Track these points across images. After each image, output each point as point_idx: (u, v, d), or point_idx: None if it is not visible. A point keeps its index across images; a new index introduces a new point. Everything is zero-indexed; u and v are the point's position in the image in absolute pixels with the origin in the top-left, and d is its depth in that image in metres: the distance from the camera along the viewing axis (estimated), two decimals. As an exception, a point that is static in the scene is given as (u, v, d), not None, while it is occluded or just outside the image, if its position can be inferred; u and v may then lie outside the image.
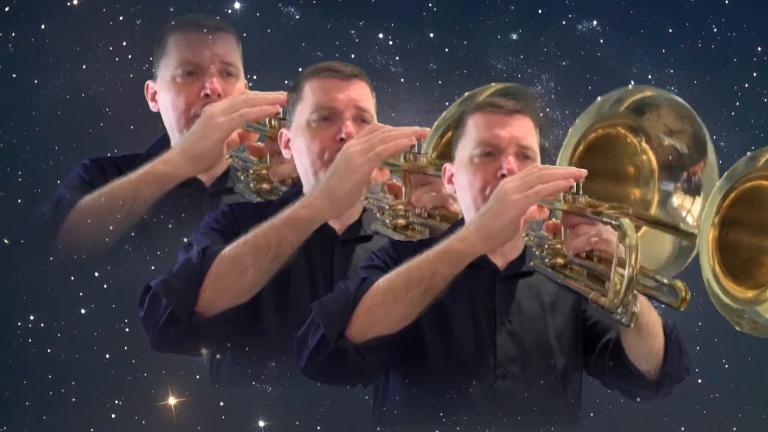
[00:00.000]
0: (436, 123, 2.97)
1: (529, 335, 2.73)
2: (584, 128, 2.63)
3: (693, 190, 2.74)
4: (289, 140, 2.89)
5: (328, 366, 2.60)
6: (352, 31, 3.75)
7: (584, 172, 2.57)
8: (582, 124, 2.62)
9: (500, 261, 2.76)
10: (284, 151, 2.91)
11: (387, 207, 2.93)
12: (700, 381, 3.54)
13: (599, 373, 2.82)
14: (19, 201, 3.29)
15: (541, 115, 2.93)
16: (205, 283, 2.71)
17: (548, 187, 2.54)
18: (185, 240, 2.88)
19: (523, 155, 2.68)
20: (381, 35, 3.77)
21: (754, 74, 3.80)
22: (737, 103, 3.80)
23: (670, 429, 3.45)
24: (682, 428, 3.43)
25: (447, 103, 3.71)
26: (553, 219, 2.68)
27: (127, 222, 2.99)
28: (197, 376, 2.96)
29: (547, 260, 2.68)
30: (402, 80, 3.76)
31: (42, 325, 3.20)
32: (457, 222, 2.79)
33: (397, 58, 3.78)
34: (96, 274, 3.06)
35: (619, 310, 2.40)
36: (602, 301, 2.45)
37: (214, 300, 2.72)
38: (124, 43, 3.48)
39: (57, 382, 3.19)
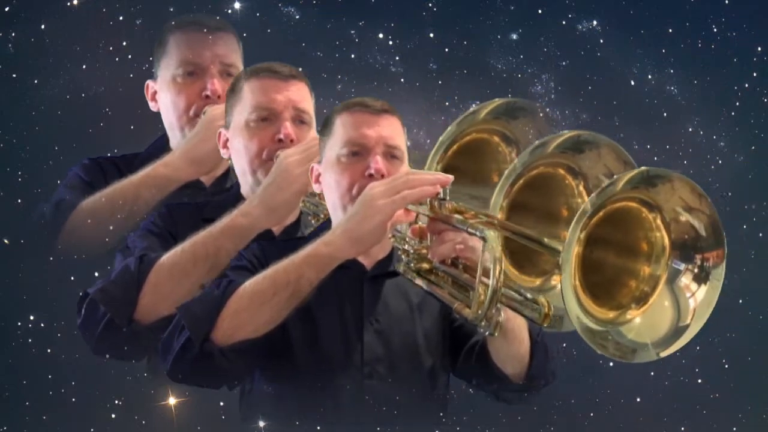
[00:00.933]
0: (440, 139, 2.95)
1: (397, 335, 2.70)
2: (523, 165, 2.58)
3: None
4: (227, 140, 2.90)
5: (193, 369, 2.57)
6: (352, 31, 3.75)
7: (451, 177, 2.56)
8: (520, 161, 2.57)
9: (367, 261, 2.72)
10: (222, 151, 2.92)
11: (322, 215, 2.92)
12: (700, 381, 3.54)
13: (466, 375, 2.80)
14: (19, 201, 3.29)
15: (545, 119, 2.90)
16: (143, 290, 2.73)
17: (415, 193, 2.53)
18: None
19: (390, 155, 2.66)
20: (381, 35, 3.76)
21: (754, 74, 3.80)
22: (737, 103, 3.80)
23: (670, 429, 3.46)
24: (682, 428, 3.44)
25: (447, 103, 3.72)
26: (419, 222, 2.64)
27: (127, 223, 2.99)
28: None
29: (412, 265, 2.64)
30: (402, 80, 3.76)
31: (42, 325, 3.20)
32: (324, 223, 2.78)
33: (397, 58, 3.78)
34: (96, 274, 3.06)
35: (483, 323, 2.35)
36: (466, 312, 2.40)
37: (153, 307, 2.73)
38: (124, 43, 3.48)
39: (57, 382, 3.19)
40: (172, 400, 2.92)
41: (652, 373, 3.53)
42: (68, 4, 3.46)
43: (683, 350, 3.59)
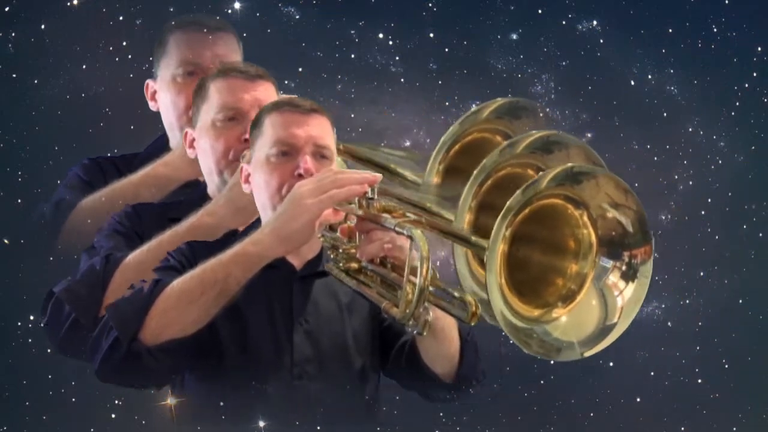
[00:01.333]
0: (442, 139, 2.94)
1: (326, 335, 2.70)
2: (492, 165, 2.55)
3: None
4: (194, 140, 2.90)
5: (121, 368, 2.55)
6: (352, 31, 3.75)
7: (379, 177, 2.54)
8: (490, 161, 2.54)
9: (297, 261, 2.72)
10: (189, 151, 2.92)
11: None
12: (700, 381, 3.55)
13: (396, 375, 2.79)
14: (19, 201, 3.29)
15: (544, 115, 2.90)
16: (108, 290, 2.72)
17: (343, 192, 2.51)
18: None
19: (320, 155, 2.65)
20: (381, 35, 3.76)
21: (754, 74, 3.80)
22: (737, 103, 3.80)
23: (670, 429, 3.46)
24: (682, 428, 3.44)
25: (447, 103, 3.72)
26: (349, 222, 2.62)
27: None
28: (197, 376, 2.96)
29: (341, 264, 2.63)
30: (402, 80, 3.76)
31: (42, 325, 3.20)
32: (254, 222, 2.77)
33: (397, 58, 3.77)
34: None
35: (410, 322, 2.34)
36: (394, 311, 2.38)
37: None
38: (124, 43, 3.49)
39: (57, 382, 3.20)
40: (172, 400, 2.91)
41: (652, 373, 3.54)
42: (68, 4, 3.47)
43: (683, 350, 3.61)
